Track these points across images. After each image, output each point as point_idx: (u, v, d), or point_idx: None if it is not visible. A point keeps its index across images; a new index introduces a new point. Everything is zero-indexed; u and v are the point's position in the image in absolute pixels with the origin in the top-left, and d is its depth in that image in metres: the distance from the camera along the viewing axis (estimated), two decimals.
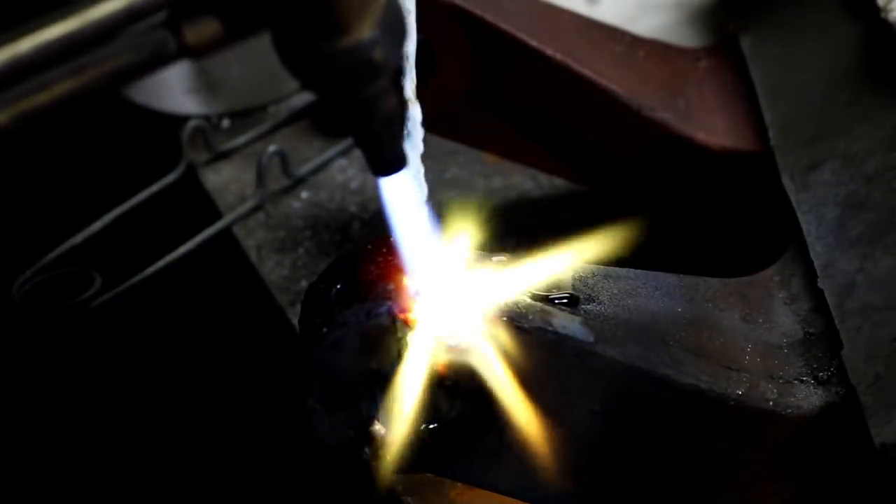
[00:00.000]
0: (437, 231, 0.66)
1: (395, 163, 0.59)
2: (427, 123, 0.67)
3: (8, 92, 0.46)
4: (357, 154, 1.05)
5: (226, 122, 1.13)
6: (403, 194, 0.63)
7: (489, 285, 0.67)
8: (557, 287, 0.69)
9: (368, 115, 0.55)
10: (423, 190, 0.66)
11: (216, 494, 1.03)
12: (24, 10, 0.48)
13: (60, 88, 0.46)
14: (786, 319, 0.74)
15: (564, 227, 0.69)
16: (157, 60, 0.48)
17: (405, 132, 0.66)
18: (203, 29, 0.48)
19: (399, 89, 0.67)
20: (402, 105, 0.67)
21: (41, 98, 0.46)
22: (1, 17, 0.49)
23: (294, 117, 1.12)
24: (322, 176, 1.07)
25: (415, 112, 0.67)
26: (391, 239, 0.65)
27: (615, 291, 0.71)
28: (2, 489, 1.02)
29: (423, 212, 0.65)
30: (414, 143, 0.66)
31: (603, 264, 0.72)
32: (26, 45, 0.45)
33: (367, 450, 0.67)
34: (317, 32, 0.51)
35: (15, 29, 0.45)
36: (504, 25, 0.86)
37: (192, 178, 1.08)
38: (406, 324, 0.65)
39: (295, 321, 0.87)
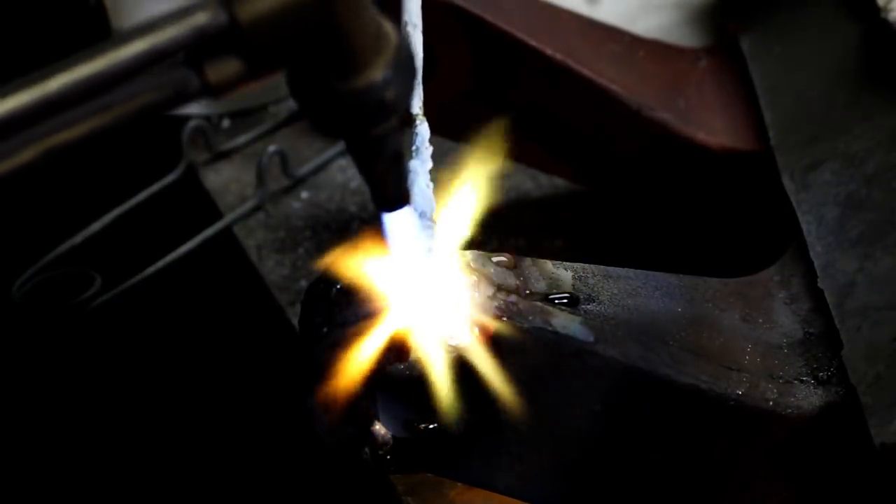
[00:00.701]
0: (438, 232, 0.66)
1: (398, 200, 0.59)
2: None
3: (36, 129, 0.47)
4: None
5: (226, 122, 1.13)
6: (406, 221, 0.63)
7: (488, 285, 0.67)
8: (557, 287, 0.69)
9: (377, 153, 0.55)
10: (433, 205, 0.66)
11: (216, 494, 1.03)
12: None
13: (86, 126, 0.48)
14: (786, 319, 0.73)
15: (564, 227, 0.69)
16: (180, 98, 0.49)
17: (413, 148, 0.66)
18: (224, 68, 0.49)
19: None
20: (410, 121, 0.67)
21: (67, 135, 0.47)
22: (32, 60, 0.50)
23: (294, 117, 1.12)
24: (322, 176, 1.07)
25: (423, 129, 0.67)
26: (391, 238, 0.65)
27: (615, 291, 0.71)
28: (2, 489, 1.02)
29: (425, 225, 0.65)
30: (423, 158, 0.66)
31: (603, 264, 0.72)
32: (54, 84, 0.46)
33: (366, 450, 0.67)
34: (332, 72, 0.51)
35: (44, 69, 0.46)
36: (504, 25, 0.86)
37: (192, 178, 1.08)
38: (406, 324, 0.65)
39: (295, 321, 0.87)
